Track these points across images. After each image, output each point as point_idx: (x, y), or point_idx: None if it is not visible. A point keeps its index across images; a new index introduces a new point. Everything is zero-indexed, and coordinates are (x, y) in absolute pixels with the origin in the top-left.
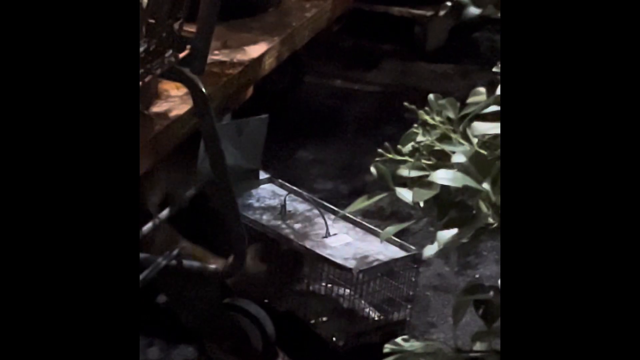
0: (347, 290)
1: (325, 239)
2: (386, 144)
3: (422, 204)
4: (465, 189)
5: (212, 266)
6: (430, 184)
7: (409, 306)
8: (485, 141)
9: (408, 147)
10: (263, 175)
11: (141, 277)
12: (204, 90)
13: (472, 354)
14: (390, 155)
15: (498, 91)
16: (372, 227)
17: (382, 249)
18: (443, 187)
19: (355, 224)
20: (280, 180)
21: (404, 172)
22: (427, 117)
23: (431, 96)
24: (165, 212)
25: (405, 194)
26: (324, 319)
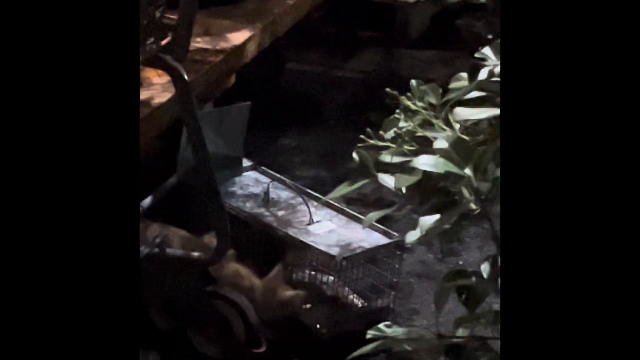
0: (331, 278)
1: (308, 226)
2: (368, 130)
3: (404, 190)
4: (448, 174)
5: (195, 254)
6: (412, 170)
7: (393, 293)
8: (468, 127)
9: (390, 133)
10: (246, 162)
11: None
12: (186, 77)
13: (454, 340)
14: (372, 142)
15: (480, 77)
16: (356, 214)
17: (365, 236)
18: (425, 173)
19: (339, 211)
20: (263, 168)
21: (386, 158)
22: (409, 103)
23: (413, 82)
24: (147, 200)
25: (388, 180)
26: (308, 306)
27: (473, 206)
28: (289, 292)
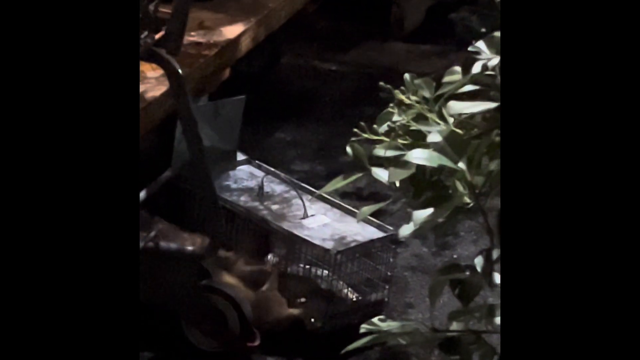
0: (325, 272)
1: (303, 220)
2: (362, 123)
3: (398, 184)
4: (442, 168)
5: (189, 248)
6: (406, 164)
7: (387, 287)
8: (461, 120)
9: (384, 127)
10: (240, 156)
11: None
12: (180, 71)
13: (448, 334)
14: (366, 135)
15: (473, 70)
16: (350, 207)
17: (360, 230)
18: (419, 166)
19: (333, 205)
20: (257, 162)
21: (380, 152)
22: (402, 97)
23: (407, 75)
24: (142, 194)
25: (382, 174)
26: (302, 300)
27: (467, 200)
28: (286, 311)
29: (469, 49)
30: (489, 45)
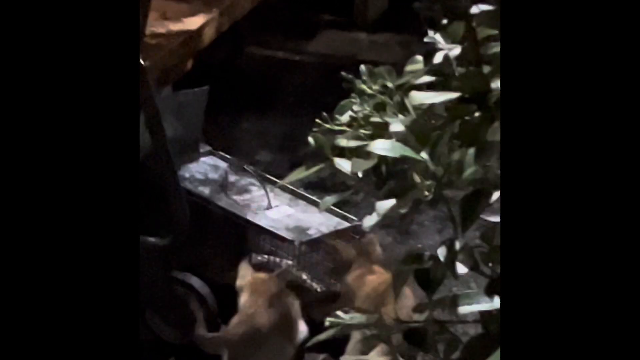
0: (289, 262)
1: (266, 210)
2: (324, 114)
3: (360, 175)
4: (405, 158)
5: (152, 239)
6: (368, 154)
7: None
8: (423, 110)
9: (345, 117)
10: (204, 147)
11: None
12: (142, 62)
13: (412, 324)
14: (328, 126)
15: (435, 60)
16: (314, 198)
17: (324, 221)
18: (381, 157)
19: (297, 195)
20: (221, 153)
21: (342, 142)
22: (364, 87)
23: (362, 67)
24: None
25: (344, 165)
26: None
27: (426, 192)
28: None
29: (425, 39)
30: (445, 36)
